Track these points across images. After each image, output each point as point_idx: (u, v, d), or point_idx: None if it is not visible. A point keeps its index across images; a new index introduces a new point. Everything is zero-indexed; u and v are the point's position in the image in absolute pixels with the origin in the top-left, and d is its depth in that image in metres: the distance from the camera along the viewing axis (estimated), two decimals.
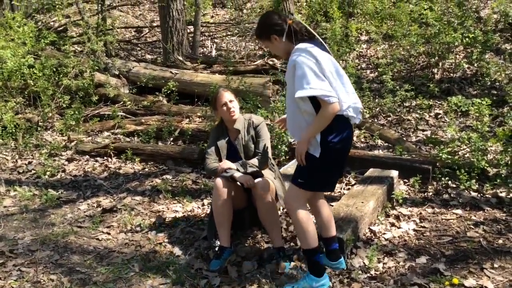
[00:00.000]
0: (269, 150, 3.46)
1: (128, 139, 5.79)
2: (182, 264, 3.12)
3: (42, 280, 2.92)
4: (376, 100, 6.27)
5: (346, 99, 2.54)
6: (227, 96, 3.35)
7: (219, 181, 3.17)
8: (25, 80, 6.37)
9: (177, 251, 3.31)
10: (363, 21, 8.57)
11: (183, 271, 3.03)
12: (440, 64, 6.75)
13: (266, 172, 3.38)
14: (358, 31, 8.23)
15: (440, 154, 4.26)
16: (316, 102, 2.52)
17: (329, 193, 2.99)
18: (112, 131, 6.00)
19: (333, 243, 2.96)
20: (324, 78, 2.46)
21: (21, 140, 5.50)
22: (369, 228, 3.54)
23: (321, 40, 2.62)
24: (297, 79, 2.46)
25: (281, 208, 3.76)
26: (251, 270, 3.06)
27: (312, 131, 2.55)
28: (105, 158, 5.22)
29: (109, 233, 3.62)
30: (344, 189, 4.32)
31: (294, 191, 2.74)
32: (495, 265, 3.00)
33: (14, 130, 5.55)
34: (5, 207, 4.08)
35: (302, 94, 2.45)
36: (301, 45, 2.52)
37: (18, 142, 5.47)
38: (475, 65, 6.59)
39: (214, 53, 9.52)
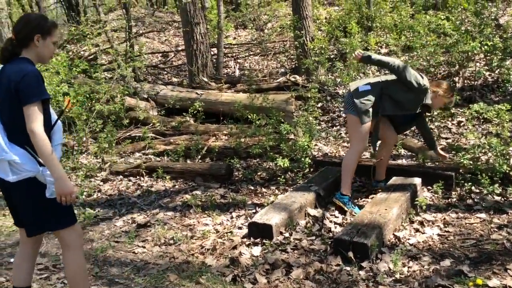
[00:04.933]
0: None
1: (158, 159, 6.05)
2: (214, 272, 3.28)
3: None
4: None
5: None
6: None
7: None
8: (60, 107, 6.73)
9: (209, 261, 3.48)
10: (382, 35, 8.70)
11: (215, 279, 3.19)
12: (461, 72, 6.80)
13: None
14: (378, 44, 8.36)
15: (462, 160, 4.33)
16: None
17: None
18: (143, 151, 6.27)
19: None
20: None
21: None
22: (393, 234, 3.64)
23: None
24: None
25: None
26: (279, 277, 3.20)
27: None
28: (137, 177, 5.47)
29: (144, 247, 3.82)
30: (368, 197, 4.43)
31: None
32: None
33: None
34: None
35: None
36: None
37: (74, 185, 5.79)
38: (496, 72, 6.62)
39: (237, 72, 9.79)
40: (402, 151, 5.32)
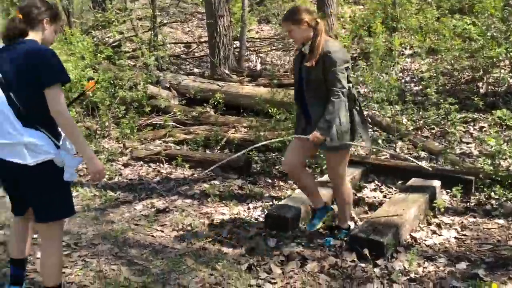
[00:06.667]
0: None
1: (178, 147, 6.13)
2: (230, 260, 3.34)
3: (104, 270, 3.21)
4: (420, 113, 6.35)
5: None
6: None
7: None
8: (84, 91, 6.83)
9: (225, 249, 3.54)
10: (407, 36, 8.65)
11: (230, 266, 3.25)
12: (485, 78, 6.74)
13: None
14: (402, 45, 8.31)
15: (483, 166, 4.31)
16: None
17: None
18: (163, 139, 6.35)
19: None
20: None
21: None
22: (410, 234, 3.66)
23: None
24: None
25: None
26: (294, 269, 3.24)
27: None
28: (157, 164, 5.56)
29: (162, 231, 3.90)
30: (386, 197, 4.44)
31: None
32: None
33: None
34: None
35: None
36: None
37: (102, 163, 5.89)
38: None
39: (258, 67, 9.82)
40: (422, 153, 5.31)
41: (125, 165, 5.53)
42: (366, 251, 3.31)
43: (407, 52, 8.42)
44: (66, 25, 12.20)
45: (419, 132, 5.91)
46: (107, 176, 5.14)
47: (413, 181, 4.33)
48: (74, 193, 4.68)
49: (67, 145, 2.45)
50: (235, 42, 10.07)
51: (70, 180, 2.47)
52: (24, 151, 2.28)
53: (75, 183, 4.87)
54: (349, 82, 3.25)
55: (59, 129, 2.42)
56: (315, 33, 3.22)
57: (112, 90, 6.98)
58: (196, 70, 10.00)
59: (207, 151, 5.92)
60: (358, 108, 3.37)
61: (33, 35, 2.40)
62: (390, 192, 4.57)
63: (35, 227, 2.65)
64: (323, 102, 3.21)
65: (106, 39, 11.26)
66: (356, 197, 4.48)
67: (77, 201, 4.51)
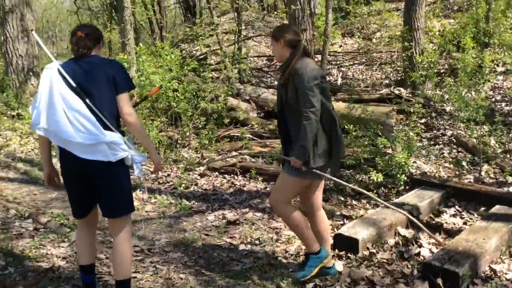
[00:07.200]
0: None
1: (253, 160, 6.23)
2: (296, 278, 3.32)
3: (173, 278, 3.34)
4: (510, 135, 5.92)
5: (41, 120, 2.57)
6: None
7: None
8: (169, 102, 7.20)
9: (291, 266, 3.53)
10: (499, 52, 8.12)
11: (296, 285, 3.22)
12: None
13: None
14: (494, 62, 7.82)
15: None
16: None
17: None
18: (239, 151, 6.49)
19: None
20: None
21: (162, 154, 6.23)
22: (489, 266, 3.41)
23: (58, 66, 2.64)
24: None
25: None
26: None
27: None
28: (231, 175, 5.69)
29: (231, 243, 3.97)
30: (467, 224, 4.18)
31: None
32: None
33: (157, 146, 6.30)
34: (146, 211, 4.69)
35: None
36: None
37: (160, 156, 6.21)
38: None
39: (339, 81, 9.72)
40: (510, 178, 4.94)
41: (201, 175, 5.73)
42: (439, 281, 3.13)
43: (499, 69, 7.90)
44: (158, 39, 12.97)
45: (508, 156, 5.50)
46: (183, 185, 5.36)
47: (497, 209, 4.05)
48: (152, 200, 4.95)
49: (133, 143, 2.78)
50: (317, 55, 10.06)
51: (140, 175, 2.88)
52: (107, 150, 2.58)
53: (154, 190, 5.15)
54: (327, 99, 3.06)
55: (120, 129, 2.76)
56: (292, 53, 3.11)
57: (195, 101, 7.27)
58: (276, 83, 10.11)
59: (281, 165, 5.95)
60: (339, 129, 3.09)
61: (94, 52, 2.77)
62: (471, 219, 4.30)
63: (110, 224, 2.82)
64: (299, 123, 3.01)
65: (194, 52, 11.77)
66: (433, 222, 4.28)
67: (154, 207, 4.76)
